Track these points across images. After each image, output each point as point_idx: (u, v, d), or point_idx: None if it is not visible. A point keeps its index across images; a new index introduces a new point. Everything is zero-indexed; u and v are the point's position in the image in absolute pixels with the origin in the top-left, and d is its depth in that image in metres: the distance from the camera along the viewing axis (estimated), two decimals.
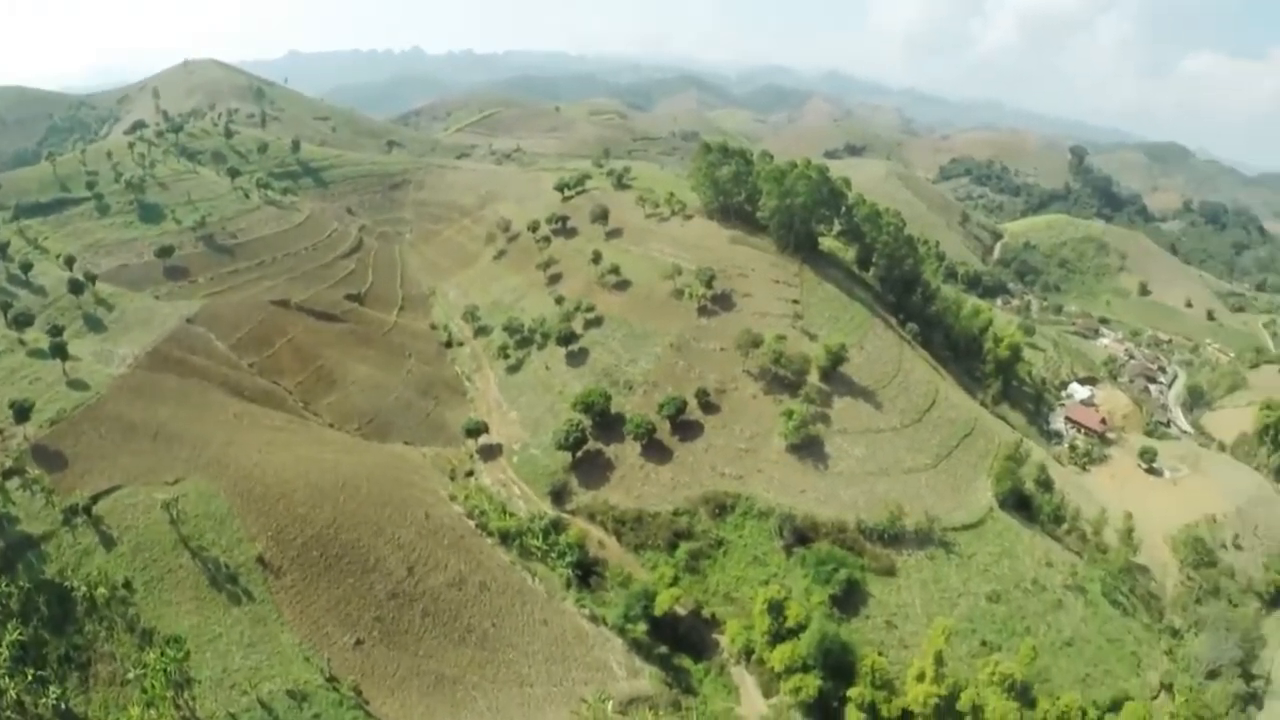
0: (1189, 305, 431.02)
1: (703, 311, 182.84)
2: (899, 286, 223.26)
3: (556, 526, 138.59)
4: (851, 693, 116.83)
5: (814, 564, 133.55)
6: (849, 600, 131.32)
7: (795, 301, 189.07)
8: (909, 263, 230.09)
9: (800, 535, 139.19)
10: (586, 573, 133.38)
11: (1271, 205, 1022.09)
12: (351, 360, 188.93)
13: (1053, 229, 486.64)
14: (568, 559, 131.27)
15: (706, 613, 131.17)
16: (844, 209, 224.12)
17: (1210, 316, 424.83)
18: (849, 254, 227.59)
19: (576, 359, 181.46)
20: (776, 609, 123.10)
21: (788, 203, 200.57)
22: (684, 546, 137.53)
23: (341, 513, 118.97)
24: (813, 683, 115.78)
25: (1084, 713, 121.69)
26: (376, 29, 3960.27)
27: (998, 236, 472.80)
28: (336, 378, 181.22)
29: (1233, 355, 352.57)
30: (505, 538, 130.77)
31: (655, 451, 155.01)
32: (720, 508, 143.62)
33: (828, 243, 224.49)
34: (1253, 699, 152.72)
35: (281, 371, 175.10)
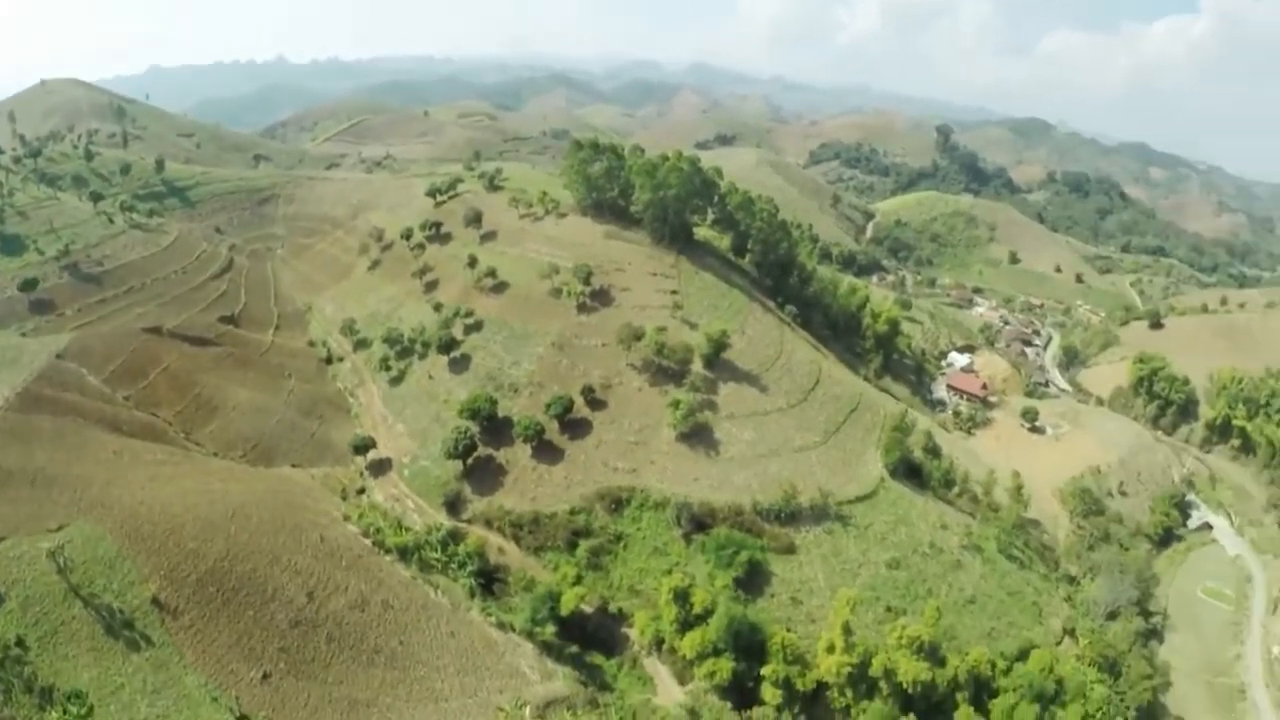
0: (1058, 270, 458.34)
1: (582, 308, 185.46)
2: (775, 270, 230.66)
3: (454, 537, 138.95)
4: (765, 671, 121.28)
5: (714, 549, 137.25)
6: (752, 581, 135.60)
7: (674, 292, 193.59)
8: (784, 247, 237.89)
9: (698, 522, 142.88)
10: (489, 580, 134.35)
11: (1131, 172, 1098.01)
12: (230, 385, 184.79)
13: (923, 205, 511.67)
14: (468, 568, 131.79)
15: (613, 608, 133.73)
16: (717, 198, 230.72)
17: (1079, 279, 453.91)
18: (724, 242, 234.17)
19: (459, 365, 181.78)
20: (682, 597, 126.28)
21: (661, 195, 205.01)
22: (584, 544, 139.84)
23: (234, 544, 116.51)
24: (726, 666, 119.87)
25: (993, 665, 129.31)
26: (240, 40, 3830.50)
27: (870, 216, 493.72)
28: (216, 404, 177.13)
29: (1103, 314, 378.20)
30: (403, 553, 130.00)
31: (546, 452, 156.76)
32: (616, 502, 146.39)
33: (702, 232, 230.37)
34: (1153, 634, 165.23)
35: (159, 402, 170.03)
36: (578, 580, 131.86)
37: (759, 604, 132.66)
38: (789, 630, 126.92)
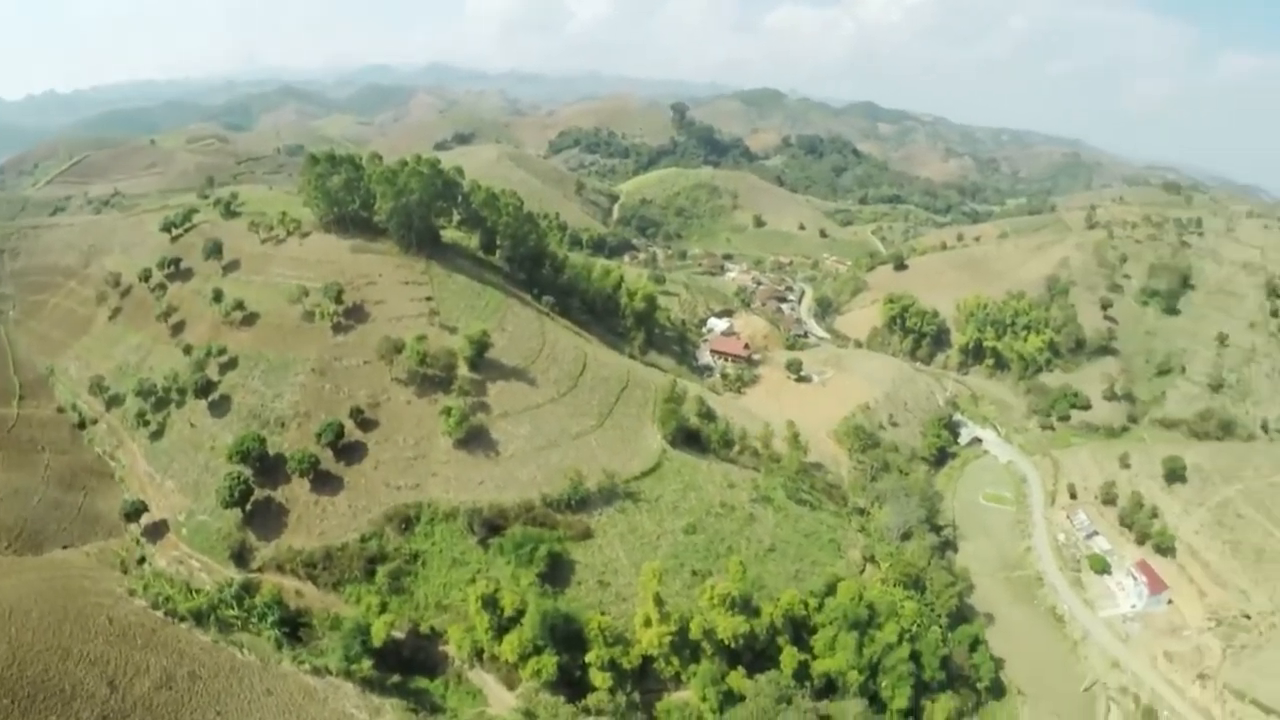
0: (802, 228, 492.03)
1: (338, 329, 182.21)
2: (527, 263, 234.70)
3: (248, 589, 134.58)
4: (589, 658, 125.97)
5: (512, 549, 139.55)
6: (557, 573, 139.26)
7: (429, 298, 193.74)
8: (533, 239, 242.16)
9: (491, 525, 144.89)
10: (293, 627, 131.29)
11: (861, 129, 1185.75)
12: None
13: (665, 182, 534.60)
14: (270, 619, 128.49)
15: (425, 628, 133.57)
16: (461, 198, 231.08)
17: (823, 234, 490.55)
18: (473, 241, 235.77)
19: (220, 408, 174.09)
20: (491, 603, 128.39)
21: (404, 201, 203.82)
22: (381, 570, 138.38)
23: (18, 646, 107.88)
24: (549, 661, 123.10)
25: (806, 604, 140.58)
26: None
27: (614, 198, 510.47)
28: None
29: (850, 264, 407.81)
30: (199, 617, 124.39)
31: (325, 483, 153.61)
32: (405, 521, 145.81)
33: (450, 234, 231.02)
34: (948, 545, 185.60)
35: None
36: (383, 608, 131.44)
37: (568, 594, 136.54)
38: (603, 613, 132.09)
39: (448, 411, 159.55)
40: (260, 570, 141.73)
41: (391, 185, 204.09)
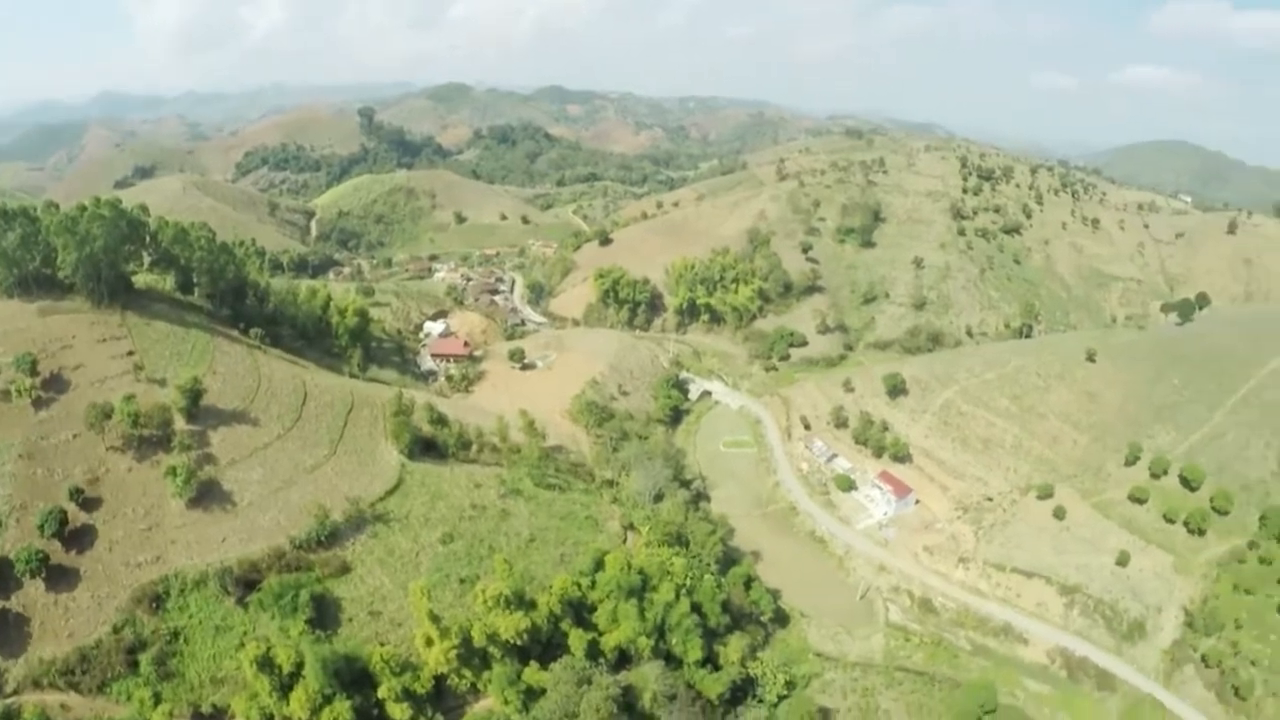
0: (504, 218, 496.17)
1: (39, 404, 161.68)
2: (229, 297, 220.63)
3: (9, 718, 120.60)
4: (382, 693, 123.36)
5: (273, 601, 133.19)
6: (325, 615, 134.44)
7: (130, 353, 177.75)
8: (231, 270, 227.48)
9: (246, 582, 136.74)
10: None
11: (551, 113, 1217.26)
12: None
13: (360, 191, 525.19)
14: None
15: (207, 708, 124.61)
16: (149, 238, 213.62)
17: (525, 221, 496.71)
18: (168, 283, 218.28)
19: None
20: (267, 664, 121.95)
21: (88, 251, 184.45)
22: (144, 658, 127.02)
23: None
24: (343, 707, 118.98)
25: (579, 585, 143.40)
26: None
27: (311, 215, 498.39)
28: None
29: (556, 246, 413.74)
30: None
31: (60, 579, 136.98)
32: (155, 599, 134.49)
33: (143, 278, 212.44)
34: (700, 497, 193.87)
35: None
36: (157, 699, 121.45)
37: (342, 633, 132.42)
38: (383, 644, 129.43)
39: (173, 471, 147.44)
40: (16, 693, 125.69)
41: (72, 235, 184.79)
